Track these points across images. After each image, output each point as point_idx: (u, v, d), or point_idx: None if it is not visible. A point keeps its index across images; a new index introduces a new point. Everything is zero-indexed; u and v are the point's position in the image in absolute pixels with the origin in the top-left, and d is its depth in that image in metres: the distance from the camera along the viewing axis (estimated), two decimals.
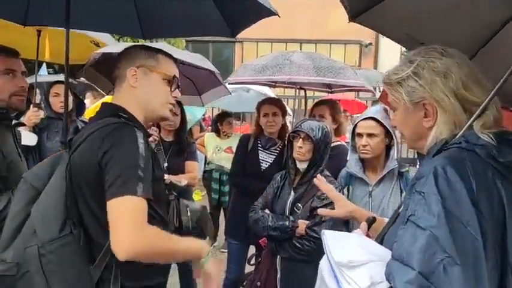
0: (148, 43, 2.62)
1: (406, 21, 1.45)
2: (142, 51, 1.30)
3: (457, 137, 0.87)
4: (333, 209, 1.94)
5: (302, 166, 2.05)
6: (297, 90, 3.60)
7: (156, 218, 1.21)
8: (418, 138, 0.97)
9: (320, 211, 1.35)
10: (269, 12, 1.74)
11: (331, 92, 3.85)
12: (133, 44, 1.37)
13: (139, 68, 1.26)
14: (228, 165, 4.20)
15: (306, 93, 3.79)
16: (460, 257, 0.72)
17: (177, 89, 1.33)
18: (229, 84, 3.63)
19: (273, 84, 3.84)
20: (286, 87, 3.96)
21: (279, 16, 1.74)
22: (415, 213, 0.79)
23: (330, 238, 0.93)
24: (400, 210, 0.96)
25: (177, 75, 1.34)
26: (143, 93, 1.26)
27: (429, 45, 0.95)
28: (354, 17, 1.46)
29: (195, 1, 1.70)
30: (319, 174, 1.58)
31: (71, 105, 2.81)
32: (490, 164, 0.80)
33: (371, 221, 1.10)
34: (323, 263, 0.92)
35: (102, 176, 1.09)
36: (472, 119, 0.87)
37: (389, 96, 0.99)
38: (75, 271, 1.10)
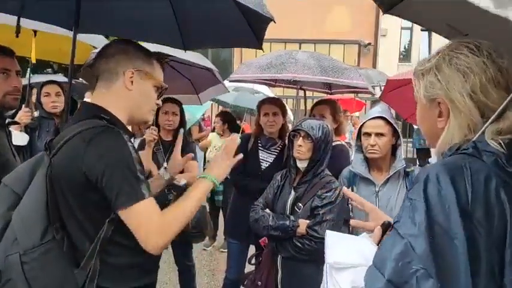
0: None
1: (444, 11, 1.35)
2: (140, 54, 1.27)
3: (469, 142, 0.81)
4: (334, 208, 1.94)
5: (302, 165, 2.03)
6: (297, 91, 3.59)
7: None
8: (434, 137, 0.91)
9: (353, 222, 1.31)
10: (269, 20, 1.77)
11: (331, 93, 3.84)
12: (129, 41, 1.31)
13: (137, 72, 1.24)
14: None
15: (305, 94, 3.78)
16: (436, 271, 0.68)
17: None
18: (230, 81, 3.60)
19: (272, 84, 3.82)
20: (286, 87, 3.95)
21: (274, 22, 1.76)
22: (400, 220, 0.76)
23: (331, 239, 0.92)
24: None
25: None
26: (136, 97, 1.25)
27: (474, 36, 0.88)
28: (387, 9, 1.42)
29: (228, 12, 1.70)
30: (344, 187, 1.55)
31: (63, 105, 2.81)
32: (496, 173, 0.74)
33: (386, 226, 1.04)
34: (326, 263, 0.91)
35: (89, 185, 1.08)
36: (486, 125, 0.81)
37: (414, 88, 0.94)
38: (59, 276, 1.10)
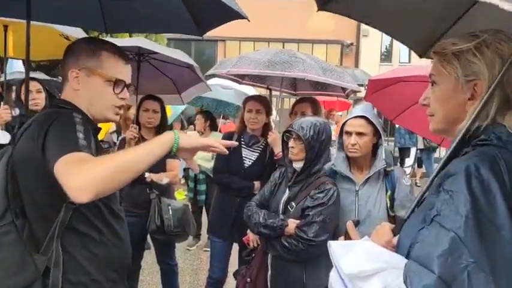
0: (127, 39, 2.55)
1: (369, 6, 1.46)
2: (85, 49, 1.24)
3: (490, 134, 0.79)
4: (324, 210, 1.85)
5: (298, 165, 1.98)
6: (258, 89, 3.56)
7: (107, 213, 1.20)
8: (452, 122, 0.88)
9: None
10: (238, 15, 1.72)
11: (295, 94, 3.83)
12: (81, 38, 1.32)
13: (81, 70, 1.22)
14: (204, 164, 4.26)
15: (271, 93, 3.74)
16: (488, 264, 0.65)
17: (125, 90, 1.28)
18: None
19: (239, 81, 3.75)
20: (252, 84, 3.91)
21: (249, 20, 1.74)
22: (441, 213, 0.73)
23: (337, 249, 0.87)
24: (417, 208, 0.89)
25: (125, 76, 1.28)
26: (85, 95, 1.24)
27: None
28: (322, 5, 1.47)
29: None
30: (349, 223, 1.41)
31: (44, 102, 2.76)
32: None
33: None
34: (332, 276, 0.86)
35: (45, 163, 1.06)
36: (476, 112, 0.81)
37: (435, 68, 0.90)
38: (18, 260, 1.10)
